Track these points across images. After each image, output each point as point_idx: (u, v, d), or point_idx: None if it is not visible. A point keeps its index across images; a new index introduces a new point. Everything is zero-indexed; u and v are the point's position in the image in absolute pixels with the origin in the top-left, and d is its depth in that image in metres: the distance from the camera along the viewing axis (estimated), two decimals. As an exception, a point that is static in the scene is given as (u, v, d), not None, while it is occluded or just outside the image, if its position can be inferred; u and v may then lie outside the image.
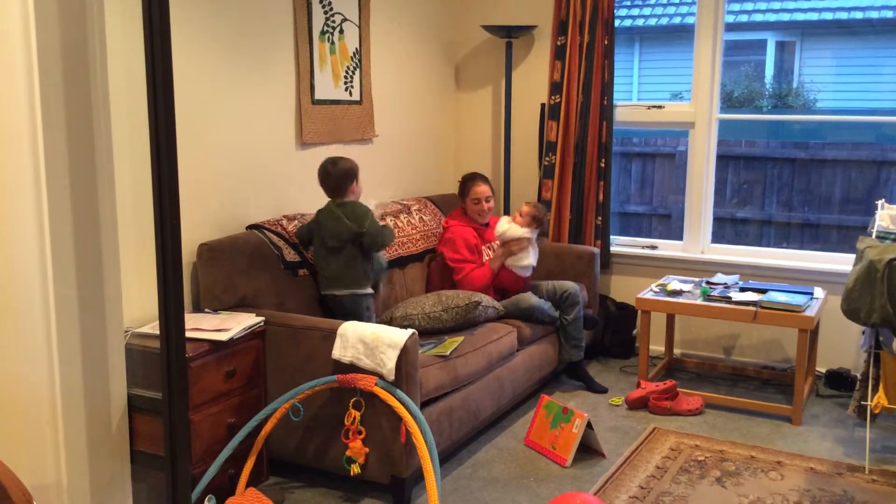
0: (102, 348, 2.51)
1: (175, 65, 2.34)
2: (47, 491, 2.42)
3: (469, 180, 4.38)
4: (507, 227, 4.22)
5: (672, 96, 5.65)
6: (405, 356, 2.99)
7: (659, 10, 7.12)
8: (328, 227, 3.53)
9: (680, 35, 6.92)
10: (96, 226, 2.45)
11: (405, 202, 4.52)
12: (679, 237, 4.88)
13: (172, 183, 2.28)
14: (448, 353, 3.43)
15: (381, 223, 3.59)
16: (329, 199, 3.58)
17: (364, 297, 3.56)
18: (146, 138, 2.27)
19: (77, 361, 2.43)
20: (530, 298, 4.06)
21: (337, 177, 3.54)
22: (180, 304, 2.36)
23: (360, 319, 3.47)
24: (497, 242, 4.30)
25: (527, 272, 4.23)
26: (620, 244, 5.00)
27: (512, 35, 4.82)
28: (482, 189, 4.33)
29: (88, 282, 2.44)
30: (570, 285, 4.24)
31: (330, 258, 3.53)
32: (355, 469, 3.04)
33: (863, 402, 3.49)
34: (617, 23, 4.74)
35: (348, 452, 3.03)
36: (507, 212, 5.04)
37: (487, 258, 4.29)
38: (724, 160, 5.67)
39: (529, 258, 4.22)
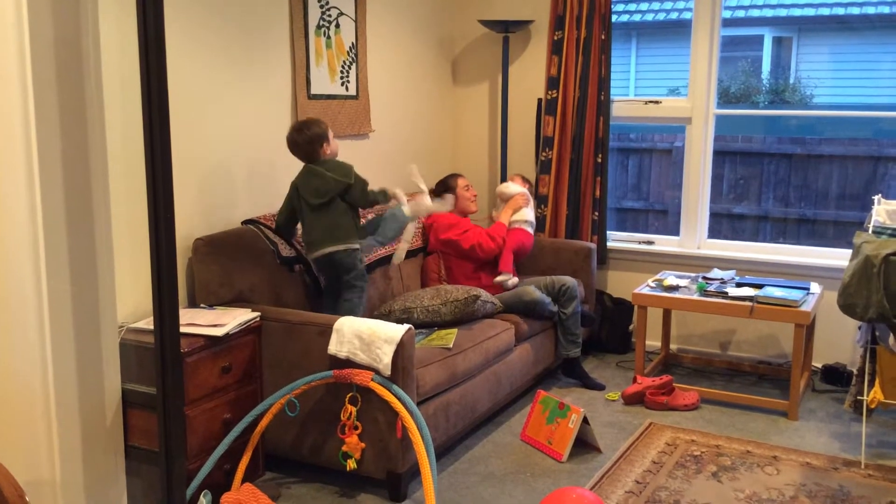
0: (96, 343, 2.51)
1: (169, 60, 2.33)
2: (41, 487, 2.41)
3: (449, 177, 4.52)
4: (506, 186, 4.58)
5: (669, 91, 5.66)
6: (401, 351, 2.98)
7: (656, 6, 7.12)
8: (310, 185, 3.43)
9: (677, 30, 6.93)
10: (90, 220, 2.44)
11: (401, 197, 4.51)
12: (675, 232, 4.88)
13: (166, 178, 2.27)
14: (451, 345, 3.43)
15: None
16: (304, 165, 3.51)
17: (358, 252, 3.50)
18: (140, 133, 2.26)
19: (71, 356, 2.42)
20: (534, 292, 4.06)
21: (305, 143, 3.44)
22: (175, 299, 2.36)
23: (357, 270, 3.47)
24: (494, 214, 4.60)
25: (532, 228, 4.49)
26: (617, 239, 4.99)
27: (509, 30, 4.81)
28: (464, 180, 4.55)
29: (82, 277, 2.43)
30: (568, 279, 4.24)
31: (316, 218, 3.44)
32: (351, 464, 3.03)
33: (859, 397, 3.50)
34: (614, 18, 4.72)
35: (344, 448, 3.03)
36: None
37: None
38: (720, 156, 5.68)
39: (531, 213, 4.51)
